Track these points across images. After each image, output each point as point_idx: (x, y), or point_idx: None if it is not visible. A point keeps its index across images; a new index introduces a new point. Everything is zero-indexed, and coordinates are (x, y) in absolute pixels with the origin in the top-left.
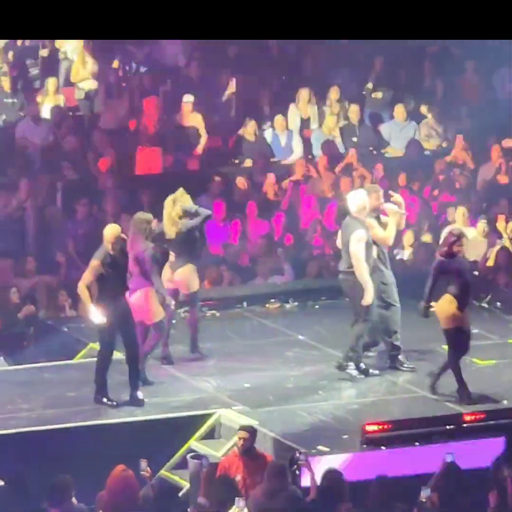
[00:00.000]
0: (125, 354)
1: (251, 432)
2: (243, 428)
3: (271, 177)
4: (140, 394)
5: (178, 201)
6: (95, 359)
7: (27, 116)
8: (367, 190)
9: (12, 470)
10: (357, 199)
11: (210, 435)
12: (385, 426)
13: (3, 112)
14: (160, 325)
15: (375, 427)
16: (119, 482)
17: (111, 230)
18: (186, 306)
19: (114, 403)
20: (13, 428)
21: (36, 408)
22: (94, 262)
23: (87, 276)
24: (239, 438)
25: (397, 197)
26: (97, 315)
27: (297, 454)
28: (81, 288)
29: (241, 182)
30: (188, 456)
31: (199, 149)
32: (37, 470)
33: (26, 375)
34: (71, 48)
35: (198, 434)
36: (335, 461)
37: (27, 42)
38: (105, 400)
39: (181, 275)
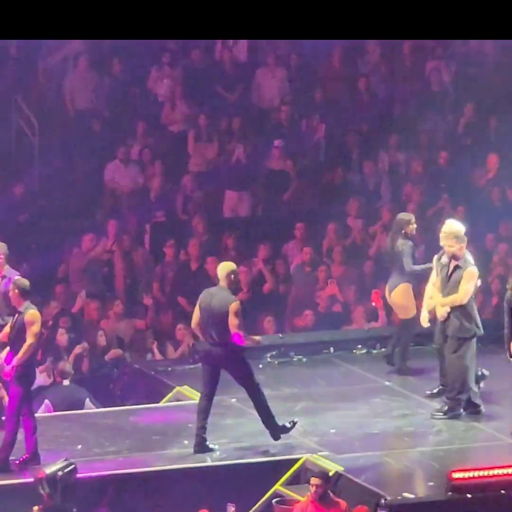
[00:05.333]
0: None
1: (324, 478)
2: (315, 474)
3: (359, 222)
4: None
5: None
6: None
7: (116, 158)
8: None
9: None
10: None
11: (296, 480)
12: (472, 473)
13: (92, 155)
14: None
15: (461, 475)
16: None
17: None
18: None
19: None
20: (100, 471)
21: (122, 451)
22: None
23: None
24: (312, 485)
25: None
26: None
27: (382, 501)
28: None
29: (331, 227)
30: (274, 501)
31: (288, 193)
32: None
33: (112, 418)
34: (162, 91)
35: (284, 479)
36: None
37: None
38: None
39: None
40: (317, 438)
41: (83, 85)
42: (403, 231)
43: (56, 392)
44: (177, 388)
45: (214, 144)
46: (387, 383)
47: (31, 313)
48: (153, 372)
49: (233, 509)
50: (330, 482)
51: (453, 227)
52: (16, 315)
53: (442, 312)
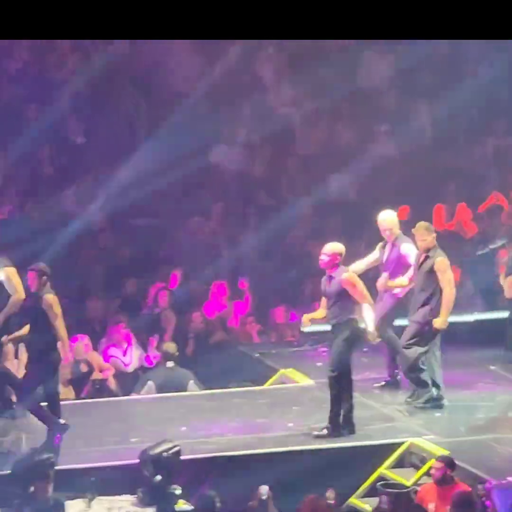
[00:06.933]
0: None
1: (446, 461)
2: (438, 458)
3: (463, 207)
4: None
5: None
6: (288, 385)
7: (223, 141)
8: None
9: (202, 495)
10: None
11: (400, 463)
12: None
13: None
14: None
15: None
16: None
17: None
18: None
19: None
20: (204, 453)
21: (226, 433)
22: None
23: None
24: (433, 468)
25: None
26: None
27: (487, 485)
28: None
29: (436, 211)
30: (378, 484)
31: (394, 177)
32: (226, 495)
33: (216, 400)
34: (269, 74)
35: (388, 462)
36: None
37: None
38: None
39: None
40: (421, 421)
41: (189, 68)
42: None
43: (160, 373)
44: (282, 370)
45: (320, 127)
46: (491, 367)
47: (51, 296)
48: (257, 355)
49: (333, 494)
50: (453, 466)
51: (421, 224)
52: (34, 298)
53: None
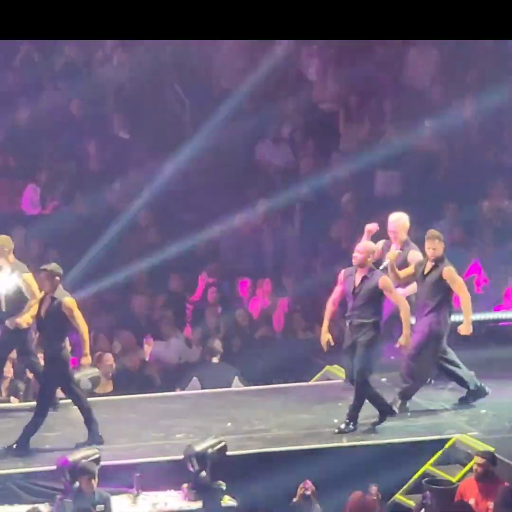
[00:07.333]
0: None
1: (488, 457)
2: (479, 453)
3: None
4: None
5: None
6: (333, 382)
7: (268, 137)
8: None
9: (246, 490)
10: None
11: (445, 460)
12: None
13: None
14: None
15: None
16: (358, 509)
17: None
18: None
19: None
20: (250, 449)
21: (271, 429)
22: None
23: None
24: (476, 464)
25: None
26: None
27: None
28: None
29: (481, 208)
30: (424, 481)
31: (439, 173)
32: (270, 491)
33: (261, 396)
34: (313, 70)
35: (434, 458)
36: None
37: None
38: None
39: None
40: (466, 418)
41: (232, 64)
42: None
43: (205, 369)
44: (327, 367)
45: (364, 123)
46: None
47: (70, 300)
48: (302, 350)
49: (376, 490)
50: (495, 462)
51: (433, 232)
52: (49, 301)
53: None
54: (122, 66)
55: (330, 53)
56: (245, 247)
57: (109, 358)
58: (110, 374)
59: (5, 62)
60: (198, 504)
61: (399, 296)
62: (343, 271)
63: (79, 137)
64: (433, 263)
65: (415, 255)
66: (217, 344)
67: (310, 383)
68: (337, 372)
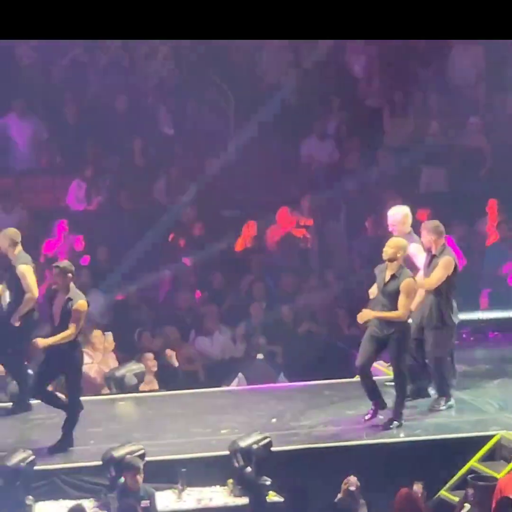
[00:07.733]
0: None
1: None
2: None
3: None
4: None
5: None
6: (384, 377)
7: (313, 133)
8: None
9: (293, 486)
10: None
11: (490, 456)
12: None
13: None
14: None
15: None
16: (406, 506)
17: None
18: None
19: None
20: (295, 445)
21: (317, 425)
22: None
23: None
24: None
25: None
26: None
27: None
28: None
29: None
30: (469, 477)
31: (483, 169)
32: (315, 487)
33: (306, 392)
34: (359, 67)
35: (479, 455)
36: None
37: None
38: None
39: None
40: None
41: (277, 60)
42: None
43: (250, 365)
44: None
45: (409, 119)
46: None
47: (83, 303)
48: (344, 346)
49: (420, 487)
50: None
51: (431, 223)
52: (63, 300)
53: None
54: (167, 62)
55: (375, 50)
56: (289, 244)
57: (150, 356)
58: (154, 371)
59: (52, 60)
60: (243, 500)
61: (404, 304)
62: (377, 267)
63: (124, 133)
64: (433, 254)
65: (415, 247)
66: (262, 340)
67: (355, 379)
68: (383, 368)
